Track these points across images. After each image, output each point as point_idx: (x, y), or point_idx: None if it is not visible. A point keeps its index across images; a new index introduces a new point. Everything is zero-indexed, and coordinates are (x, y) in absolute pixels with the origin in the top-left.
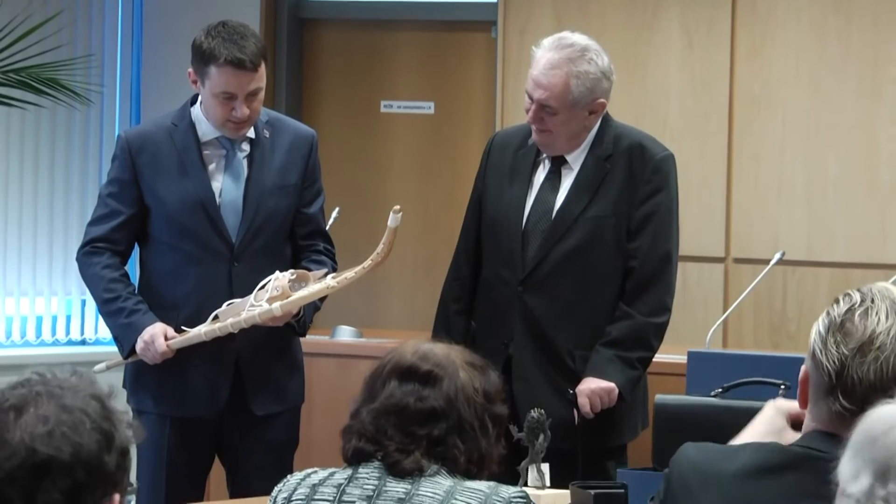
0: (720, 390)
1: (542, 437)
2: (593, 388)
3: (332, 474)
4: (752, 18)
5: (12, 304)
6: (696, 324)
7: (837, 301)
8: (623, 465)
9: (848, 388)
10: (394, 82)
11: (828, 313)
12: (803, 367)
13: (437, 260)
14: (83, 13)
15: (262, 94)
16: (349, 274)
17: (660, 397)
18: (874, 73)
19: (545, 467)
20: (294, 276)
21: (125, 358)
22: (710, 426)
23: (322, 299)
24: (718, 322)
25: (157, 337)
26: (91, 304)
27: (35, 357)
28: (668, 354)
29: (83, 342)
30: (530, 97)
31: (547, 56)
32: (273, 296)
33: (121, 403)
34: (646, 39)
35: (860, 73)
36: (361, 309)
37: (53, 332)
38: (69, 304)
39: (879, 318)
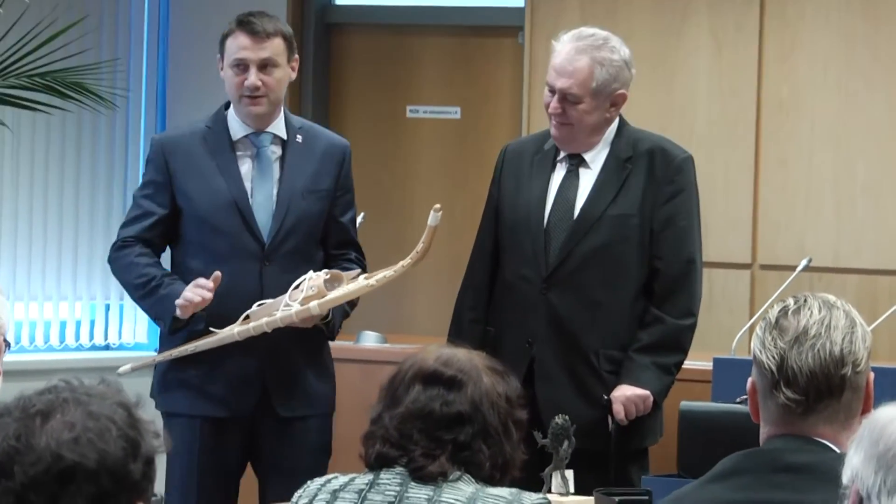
0: (745, 397)
1: (566, 443)
2: (629, 395)
3: (352, 480)
4: (780, 24)
5: (36, 308)
6: (722, 330)
7: (773, 306)
8: (645, 469)
9: (789, 378)
10: (420, 87)
11: (764, 318)
12: (750, 379)
13: (462, 265)
14: (109, 17)
15: (279, 73)
16: (388, 273)
17: (685, 404)
18: None
19: (569, 474)
20: (328, 276)
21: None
22: (736, 433)
23: (352, 305)
24: (744, 329)
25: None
26: (115, 310)
27: (59, 362)
28: (694, 361)
29: (107, 347)
30: (552, 89)
31: (569, 46)
32: (308, 295)
33: (148, 412)
34: (674, 44)
35: (889, 78)
36: (386, 314)
37: (77, 337)
38: (93, 309)
39: (812, 312)
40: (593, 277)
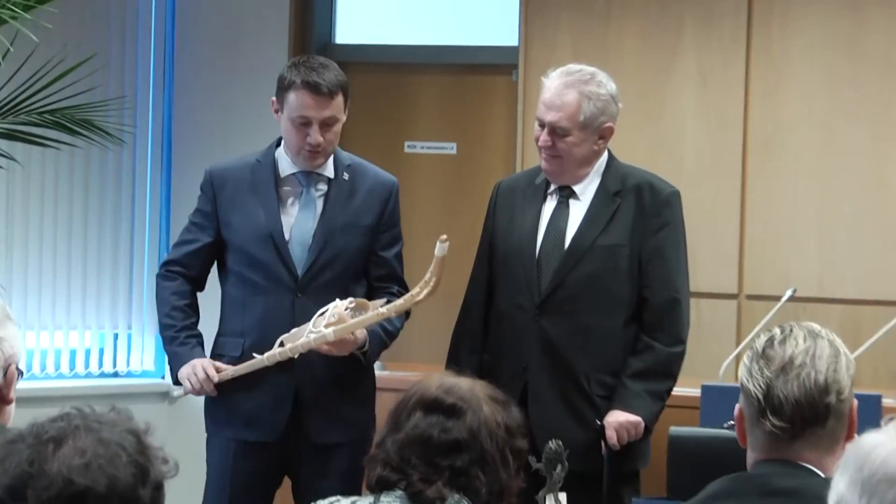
0: (733, 422)
1: (559, 467)
2: (621, 420)
3: (354, 502)
4: (766, 61)
5: (47, 337)
6: (710, 358)
7: (759, 336)
8: (637, 492)
9: (776, 406)
10: (417, 124)
11: (751, 348)
12: (737, 406)
13: (459, 296)
14: (117, 56)
15: (338, 127)
16: (399, 302)
17: (674, 429)
18: (886, 116)
19: (562, 497)
20: (353, 305)
21: (174, 383)
22: (723, 457)
23: (391, 336)
24: (731, 356)
25: (208, 367)
26: (123, 338)
27: (69, 389)
28: (683, 388)
29: (115, 374)
30: (541, 123)
31: (557, 81)
32: (330, 322)
33: (156, 440)
34: (662, 81)
35: (872, 114)
36: None
37: (87, 365)
38: (102, 338)
39: (797, 342)
40: (584, 305)
